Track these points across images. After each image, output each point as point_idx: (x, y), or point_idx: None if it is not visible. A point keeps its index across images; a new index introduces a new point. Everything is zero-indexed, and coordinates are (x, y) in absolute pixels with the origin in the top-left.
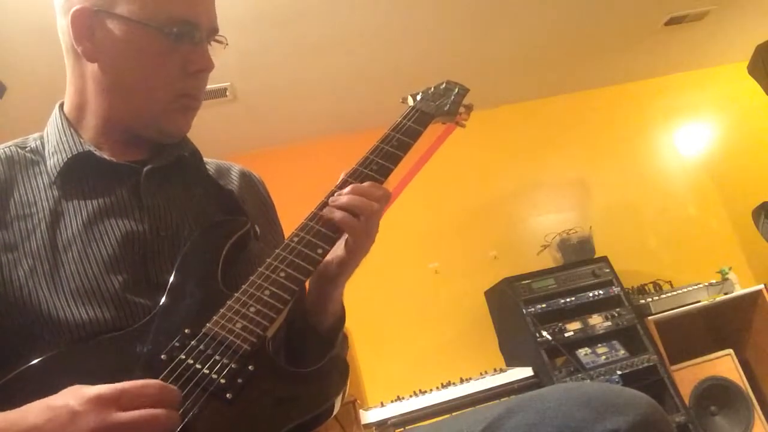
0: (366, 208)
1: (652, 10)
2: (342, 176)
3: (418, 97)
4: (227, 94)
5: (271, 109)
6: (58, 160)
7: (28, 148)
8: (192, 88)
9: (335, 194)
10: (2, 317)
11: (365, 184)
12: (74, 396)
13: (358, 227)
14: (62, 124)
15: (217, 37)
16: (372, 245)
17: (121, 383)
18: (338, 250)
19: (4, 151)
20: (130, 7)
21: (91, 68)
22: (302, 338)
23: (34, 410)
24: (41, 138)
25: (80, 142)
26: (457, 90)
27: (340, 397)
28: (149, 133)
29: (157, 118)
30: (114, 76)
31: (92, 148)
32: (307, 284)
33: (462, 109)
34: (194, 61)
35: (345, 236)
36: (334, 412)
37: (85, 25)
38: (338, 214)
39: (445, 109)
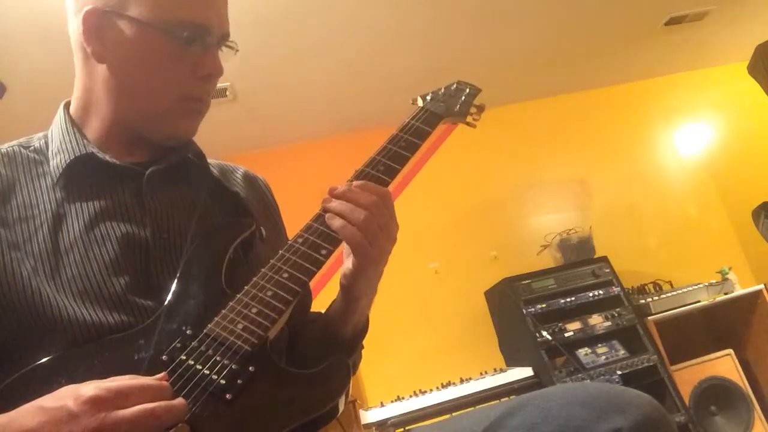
0: (352, 216)
1: (652, 10)
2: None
3: (428, 98)
4: (227, 94)
5: (271, 109)
6: (60, 161)
7: (32, 147)
8: (200, 91)
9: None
10: (6, 316)
11: (357, 188)
12: (71, 396)
13: (355, 234)
14: (66, 124)
15: (228, 43)
16: (382, 255)
17: (116, 381)
18: (350, 261)
19: (6, 150)
20: (140, 9)
21: (100, 69)
22: (319, 344)
23: (26, 412)
24: (45, 137)
25: (84, 143)
26: (468, 90)
27: (342, 399)
28: (155, 135)
29: (164, 121)
30: (122, 77)
31: (95, 150)
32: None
33: (473, 110)
34: (204, 65)
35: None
36: (338, 413)
37: (96, 25)
38: (337, 222)
39: (455, 109)
